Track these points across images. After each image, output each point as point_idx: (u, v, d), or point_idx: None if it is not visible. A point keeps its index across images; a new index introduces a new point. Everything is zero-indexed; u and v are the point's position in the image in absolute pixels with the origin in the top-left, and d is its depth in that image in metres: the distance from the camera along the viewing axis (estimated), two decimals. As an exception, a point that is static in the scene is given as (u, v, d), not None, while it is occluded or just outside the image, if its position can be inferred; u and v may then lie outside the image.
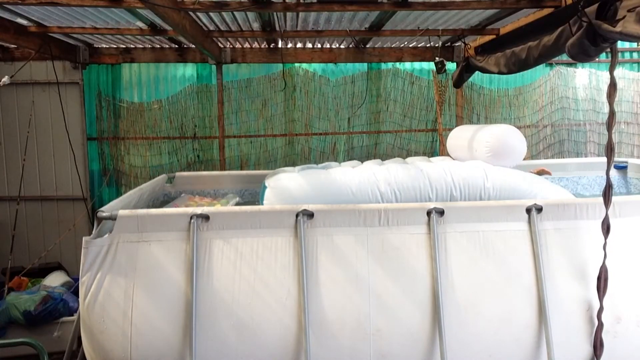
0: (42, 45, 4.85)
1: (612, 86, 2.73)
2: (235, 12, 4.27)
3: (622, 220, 2.99)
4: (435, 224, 2.92)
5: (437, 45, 5.57)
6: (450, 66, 5.75)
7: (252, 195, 4.64)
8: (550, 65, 6.46)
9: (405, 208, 3.02)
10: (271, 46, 5.95)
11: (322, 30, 5.07)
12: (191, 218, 2.89)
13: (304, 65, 6.20)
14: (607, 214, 2.78)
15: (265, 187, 3.54)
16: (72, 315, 4.53)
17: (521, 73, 5.03)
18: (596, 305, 2.81)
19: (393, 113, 6.38)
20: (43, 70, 5.81)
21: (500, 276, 2.90)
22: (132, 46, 5.80)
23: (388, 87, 6.34)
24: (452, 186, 3.45)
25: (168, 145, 6.13)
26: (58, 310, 4.54)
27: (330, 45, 5.98)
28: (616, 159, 4.84)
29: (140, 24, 4.61)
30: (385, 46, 6.04)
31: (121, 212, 2.91)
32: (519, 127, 4.10)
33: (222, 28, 4.93)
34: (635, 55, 6.59)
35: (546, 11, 4.07)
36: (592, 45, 2.63)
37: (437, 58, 5.06)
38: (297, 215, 2.92)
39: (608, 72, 3.44)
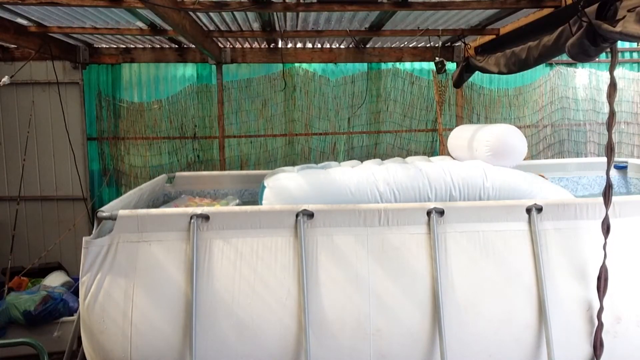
0: (42, 45, 4.85)
1: (612, 86, 2.73)
2: (235, 12, 4.27)
3: (622, 220, 2.99)
4: (435, 224, 2.92)
5: (437, 45, 5.57)
6: (450, 66, 5.75)
7: (252, 195, 4.64)
8: (550, 65, 6.46)
9: (405, 208, 3.02)
10: (271, 46, 5.95)
11: (322, 30, 5.07)
12: (191, 218, 2.89)
13: (304, 65, 6.20)
14: (607, 214, 2.78)
15: (264, 187, 3.54)
16: (72, 315, 4.53)
17: (521, 73, 5.03)
18: (596, 305, 2.82)
19: (393, 113, 6.38)
20: (43, 70, 5.81)
21: (500, 276, 2.90)
22: (132, 46, 5.80)
23: (388, 87, 6.34)
24: (451, 186, 3.45)
25: (168, 145, 6.13)
26: (58, 310, 4.54)
27: (330, 45, 5.98)
28: (616, 159, 4.84)
29: (140, 24, 4.61)
30: (385, 46, 6.04)
31: (121, 212, 2.91)
32: (519, 127, 4.10)
33: (222, 28, 4.93)
34: (635, 55, 6.59)
35: (546, 11, 4.07)
36: (592, 45, 2.63)
37: (437, 58, 5.06)
38: (297, 215, 2.92)
39: (608, 72, 3.45)
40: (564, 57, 3.91)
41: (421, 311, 2.83)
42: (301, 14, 4.44)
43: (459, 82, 5.13)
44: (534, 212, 2.96)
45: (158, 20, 4.43)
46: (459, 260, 2.91)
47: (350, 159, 6.01)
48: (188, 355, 2.74)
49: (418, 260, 2.90)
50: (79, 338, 2.99)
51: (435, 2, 3.95)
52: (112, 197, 5.80)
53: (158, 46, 5.84)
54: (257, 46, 5.96)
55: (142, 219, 2.90)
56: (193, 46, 5.70)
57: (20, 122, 5.84)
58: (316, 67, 6.25)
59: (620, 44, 5.88)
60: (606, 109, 6.02)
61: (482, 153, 3.82)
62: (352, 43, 5.81)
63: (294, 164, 6.09)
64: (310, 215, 2.93)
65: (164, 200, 4.48)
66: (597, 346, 2.82)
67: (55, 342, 4.43)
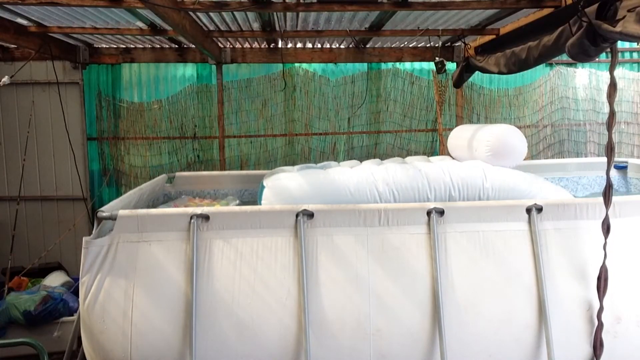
0: (42, 45, 4.85)
1: (612, 86, 2.73)
2: (235, 12, 4.27)
3: (622, 220, 2.99)
4: (435, 224, 2.92)
5: (437, 45, 5.57)
6: (450, 66, 5.75)
7: (252, 195, 4.64)
8: (550, 65, 6.46)
9: (405, 208, 3.01)
10: (271, 46, 5.95)
11: (322, 30, 5.07)
12: (191, 218, 2.90)
13: (304, 65, 6.20)
14: (607, 214, 2.78)
15: (263, 187, 3.53)
16: (72, 315, 4.53)
17: (521, 73, 5.03)
18: (596, 305, 2.82)
19: (393, 113, 6.38)
20: (43, 70, 5.81)
21: (500, 276, 2.90)
22: (132, 46, 5.80)
23: (388, 87, 6.34)
24: (450, 186, 3.45)
25: (168, 145, 6.13)
26: (58, 310, 4.54)
27: (330, 45, 5.98)
28: (616, 159, 4.83)
29: (140, 24, 4.61)
30: (385, 46, 6.04)
31: (121, 212, 2.91)
32: (519, 127, 4.10)
33: (222, 28, 4.93)
34: (635, 55, 6.59)
35: (546, 11, 4.07)
36: (592, 45, 2.63)
37: (437, 58, 5.06)
38: (297, 215, 2.92)
39: (608, 72, 3.45)
40: (564, 57, 3.91)
41: (421, 311, 2.83)
42: (301, 14, 4.45)
43: (459, 82, 5.13)
44: (534, 212, 2.96)
45: (158, 20, 4.43)
46: (459, 260, 2.91)
47: (350, 159, 6.01)
48: (188, 355, 2.74)
49: (418, 260, 2.90)
50: (79, 338, 2.99)
51: (435, 2, 3.95)
52: (112, 197, 5.80)
53: (158, 46, 5.84)
54: (257, 46, 5.96)
55: (142, 219, 2.90)
56: (193, 46, 5.70)
57: (20, 122, 5.84)
58: (316, 67, 6.25)
59: (620, 44, 5.88)
60: (606, 109, 6.03)
61: (482, 153, 3.82)
62: (352, 43, 5.81)
63: (294, 164, 6.09)
64: (310, 215, 2.93)
65: (164, 200, 4.48)
66: (597, 346, 2.82)
67: (55, 342, 4.43)
